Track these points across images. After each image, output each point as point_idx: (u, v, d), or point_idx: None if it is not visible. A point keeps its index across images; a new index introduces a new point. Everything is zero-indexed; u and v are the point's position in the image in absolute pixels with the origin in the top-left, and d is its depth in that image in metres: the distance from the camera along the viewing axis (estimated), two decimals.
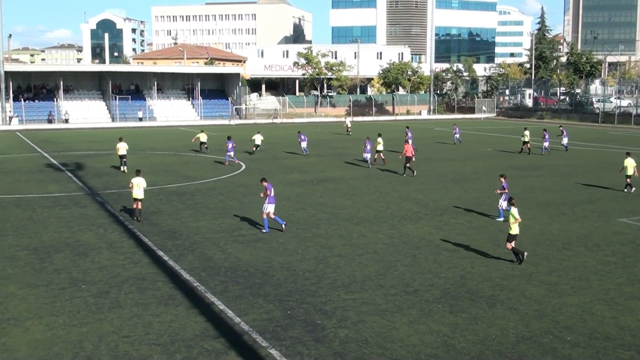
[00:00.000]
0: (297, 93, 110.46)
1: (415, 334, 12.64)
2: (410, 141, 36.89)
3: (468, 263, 17.54)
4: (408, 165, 33.85)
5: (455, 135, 51.99)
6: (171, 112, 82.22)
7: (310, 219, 23.15)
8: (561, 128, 49.25)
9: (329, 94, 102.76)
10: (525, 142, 44.49)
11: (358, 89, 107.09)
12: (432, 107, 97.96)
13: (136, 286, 15.58)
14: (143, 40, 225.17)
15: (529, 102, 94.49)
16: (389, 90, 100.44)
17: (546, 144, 44.48)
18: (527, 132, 44.88)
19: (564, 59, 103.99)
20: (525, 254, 17.55)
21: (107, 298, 14.76)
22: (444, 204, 26.08)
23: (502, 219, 22.71)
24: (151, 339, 12.46)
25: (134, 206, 22.87)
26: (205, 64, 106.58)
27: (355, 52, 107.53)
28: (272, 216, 20.94)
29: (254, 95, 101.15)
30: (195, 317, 13.55)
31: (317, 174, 34.43)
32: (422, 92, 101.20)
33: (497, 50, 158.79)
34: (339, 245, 19.45)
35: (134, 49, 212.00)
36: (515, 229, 17.35)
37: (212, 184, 30.71)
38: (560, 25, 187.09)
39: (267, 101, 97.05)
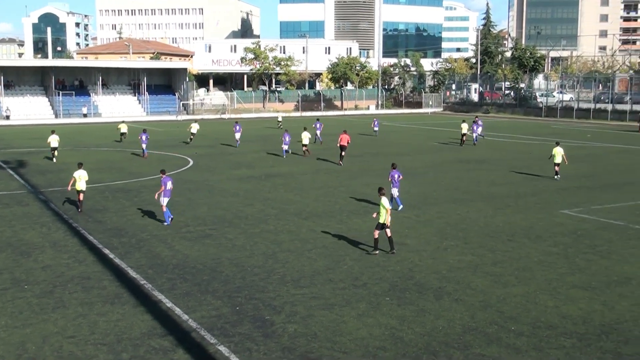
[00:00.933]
0: (246, 88, 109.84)
1: (363, 327, 12.76)
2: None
3: (415, 256, 17.78)
4: (342, 154, 36.29)
5: (375, 129, 53.92)
6: (117, 108, 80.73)
7: (259, 214, 23.11)
8: (476, 118, 51.42)
9: (278, 89, 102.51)
10: (463, 134, 46.55)
11: (307, 84, 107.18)
12: (380, 102, 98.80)
13: (81, 285, 15.29)
14: (87, 35, 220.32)
15: (475, 97, 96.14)
16: (337, 85, 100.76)
17: (479, 130, 48.76)
18: (464, 125, 46.78)
19: (508, 54, 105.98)
20: (377, 253, 17.64)
21: (51, 298, 14.44)
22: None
23: (401, 206, 23.60)
24: (97, 338, 12.26)
25: (79, 198, 23.41)
26: (152, 58, 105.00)
27: (303, 47, 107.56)
28: (164, 209, 21.41)
29: (202, 90, 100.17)
30: (142, 316, 13.38)
31: (265, 170, 34.38)
32: (370, 87, 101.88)
33: (444, 45, 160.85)
34: (288, 240, 19.47)
35: (77, 44, 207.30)
36: (382, 218, 17.52)
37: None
38: (505, 21, 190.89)
39: (215, 96, 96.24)
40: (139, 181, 30.39)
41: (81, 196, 23.44)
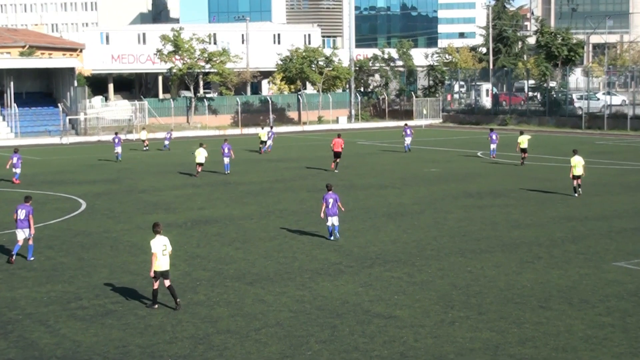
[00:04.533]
0: (161, 95, 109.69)
1: None
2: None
3: (410, 334, 17.81)
4: (337, 160, 47.28)
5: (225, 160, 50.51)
6: None
7: (184, 279, 22.98)
8: (406, 126, 61.85)
9: (208, 95, 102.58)
10: (523, 150, 49.81)
11: (249, 88, 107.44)
12: (353, 112, 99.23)
13: None
14: None
15: (487, 102, 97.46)
16: (293, 89, 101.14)
17: (408, 140, 58.92)
18: (524, 137, 50.11)
19: (532, 41, 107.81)
20: (156, 307, 19.94)
21: None
22: (374, 250, 26.43)
23: (337, 237, 27.54)
24: None
25: None
26: (22, 54, 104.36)
27: (243, 35, 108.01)
28: (20, 243, 23.90)
29: (98, 99, 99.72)
30: None
31: (192, 213, 34.29)
32: (340, 90, 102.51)
33: (442, 29, 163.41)
34: (227, 316, 19.37)
35: None
36: (157, 264, 20.12)
37: (37, 232, 29.94)
38: None
39: (118, 108, 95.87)
40: (5, 234, 29.96)
41: None
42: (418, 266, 24.12)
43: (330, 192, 27.46)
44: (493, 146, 54.07)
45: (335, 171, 47.29)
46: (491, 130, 57.42)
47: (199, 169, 46.96)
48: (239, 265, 24.57)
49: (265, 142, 61.99)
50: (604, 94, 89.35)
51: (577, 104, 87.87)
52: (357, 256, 25.59)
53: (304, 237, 28.81)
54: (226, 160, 47.87)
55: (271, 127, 70.33)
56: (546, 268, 23.68)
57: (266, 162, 54.40)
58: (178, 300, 20.08)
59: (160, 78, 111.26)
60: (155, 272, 20.08)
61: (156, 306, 20.06)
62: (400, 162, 53.77)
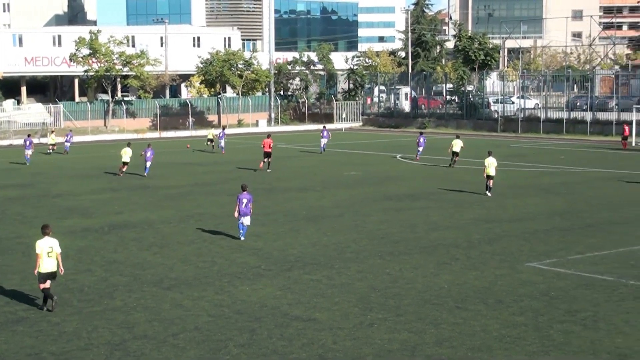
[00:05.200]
0: (78, 98, 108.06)
1: None
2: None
3: (329, 337, 17.87)
4: (267, 160, 49.28)
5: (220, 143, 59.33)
6: None
7: (100, 284, 22.70)
8: (324, 128, 64.54)
9: (126, 98, 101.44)
10: (455, 153, 50.83)
11: (168, 91, 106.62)
12: (273, 116, 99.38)
13: None
14: None
15: (407, 105, 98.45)
16: (212, 92, 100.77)
17: (324, 141, 62.07)
18: (457, 141, 51.17)
19: (450, 45, 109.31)
20: (55, 298, 20.15)
21: None
22: (293, 253, 26.48)
23: (242, 238, 28.33)
24: None
25: None
26: None
27: (162, 38, 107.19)
28: None
29: (9, 102, 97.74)
30: None
31: (109, 218, 33.88)
32: (260, 93, 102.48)
33: (362, 33, 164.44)
34: (144, 321, 19.19)
35: None
36: (43, 266, 20.08)
37: None
38: None
39: (31, 111, 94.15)
40: None
41: None
42: (337, 269, 24.23)
43: (245, 192, 28.34)
44: (420, 149, 55.13)
45: (268, 170, 49.25)
46: (421, 133, 58.70)
47: (124, 169, 48.01)
48: (157, 270, 24.36)
49: (212, 140, 65.71)
50: (518, 97, 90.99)
51: (493, 108, 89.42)
52: (276, 259, 25.59)
53: (223, 241, 28.71)
54: (148, 163, 48.08)
55: (223, 128, 71.46)
56: (463, 269, 24.02)
57: (186, 166, 54.05)
58: (52, 302, 19.98)
59: (76, 81, 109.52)
60: (40, 273, 20.00)
61: (51, 304, 19.99)
62: (320, 165, 53.96)
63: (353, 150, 65.78)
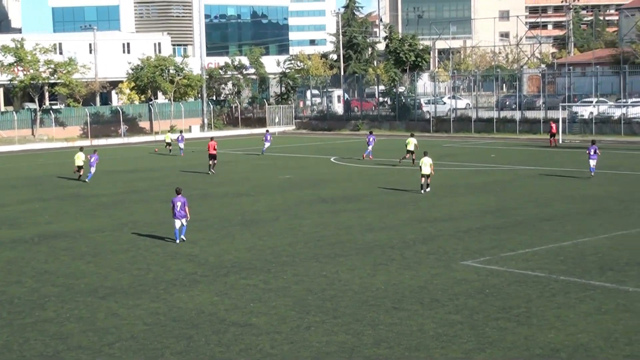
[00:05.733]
0: (3, 107, 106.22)
1: None
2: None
3: (266, 341, 17.86)
4: (213, 162, 50.89)
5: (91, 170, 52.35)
6: None
7: (31, 295, 22.36)
8: (267, 132, 66.56)
9: (54, 107, 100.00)
10: (410, 151, 51.40)
11: (98, 98, 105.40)
12: (206, 121, 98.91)
13: None
14: None
15: (339, 108, 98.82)
16: (144, 99, 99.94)
17: (267, 145, 63.65)
18: (412, 140, 52.57)
19: (381, 47, 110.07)
20: None
21: None
22: (229, 258, 26.39)
23: (178, 240, 28.93)
24: None
25: None
26: None
27: (90, 45, 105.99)
28: None
29: None
30: None
31: (39, 228, 33.38)
32: (192, 99, 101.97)
33: (293, 36, 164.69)
34: (78, 332, 18.95)
35: None
36: None
37: None
38: (374, 1, 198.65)
39: None
40: None
41: None
42: (274, 273, 24.22)
43: (179, 195, 29.04)
44: (369, 148, 56.55)
45: (213, 172, 50.85)
46: (370, 133, 60.51)
47: (81, 172, 49.36)
48: (91, 280, 24.07)
49: (170, 143, 68.20)
50: (449, 98, 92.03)
51: (425, 108, 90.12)
52: (212, 265, 25.49)
53: (158, 248, 28.49)
54: (92, 169, 49.41)
55: (181, 132, 73.70)
56: (399, 269, 24.20)
57: (118, 174, 53.48)
58: None
59: (1, 90, 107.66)
60: None
61: None
62: (254, 169, 53.87)
63: (287, 153, 65.78)
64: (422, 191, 39.31)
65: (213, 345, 17.76)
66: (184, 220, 28.95)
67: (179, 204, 28.69)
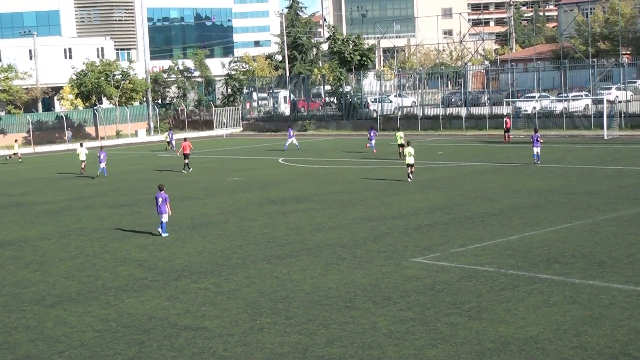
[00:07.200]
0: None
1: None
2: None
3: (219, 344, 17.80)
4: (186, 161, 53.50)
5: (101, 165, 53.75)
6: None
7: None
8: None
9: None
10: (401, 145, 51.85)
11: (40, 105, 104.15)
12: (152, 125, 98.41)
13: None
14: None
15: (286, 109, 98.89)
16: (88, 104, 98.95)
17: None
18: (400, 133, 55.22)
19: (326, 47, 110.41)
20: None
21: None
22: (179, 262, 26.26)
23: (165, 234, 30.51)
24: None
25: None
26: None
27: (30, 51, 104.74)
28: None
29: None
30: None
31: None
32: (137, 103, 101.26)
33: (237, 38, 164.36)
34: (26, 341, 18.71)
35: None
36: None
37: None
38: (318, 1, 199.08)
39: None
40: None
41: None
42: (225, 275, 24.15)
43: (162, 191, 30.55)
44: (372, 142, 60.04)
45: (184, 171, 53.60)
46: (371, 128, 64.06)
47: (83, 167, 54.55)
48: (38, 288, 23.77)
49: (171, 142, 73.62)
50: (395, 96, 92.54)
51: (372, 107, 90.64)
52: (162, 270, 25.33)
53: (107, 254, 28.23)
54: (102, 164, 52.99)
55: (170, 129, 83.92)
56: (350, 268, 24.26)
57: (63, 180, 52.90)
58: None
59: None
60: None
61: None
62: (202, 172, 53.64)
63: (235, 155, 65.63)
64: (409, 179, 42.28)
65: (165, 350, 17.65)
66: (164, 216, 30.39)
67: (160, 199, 30.30)
